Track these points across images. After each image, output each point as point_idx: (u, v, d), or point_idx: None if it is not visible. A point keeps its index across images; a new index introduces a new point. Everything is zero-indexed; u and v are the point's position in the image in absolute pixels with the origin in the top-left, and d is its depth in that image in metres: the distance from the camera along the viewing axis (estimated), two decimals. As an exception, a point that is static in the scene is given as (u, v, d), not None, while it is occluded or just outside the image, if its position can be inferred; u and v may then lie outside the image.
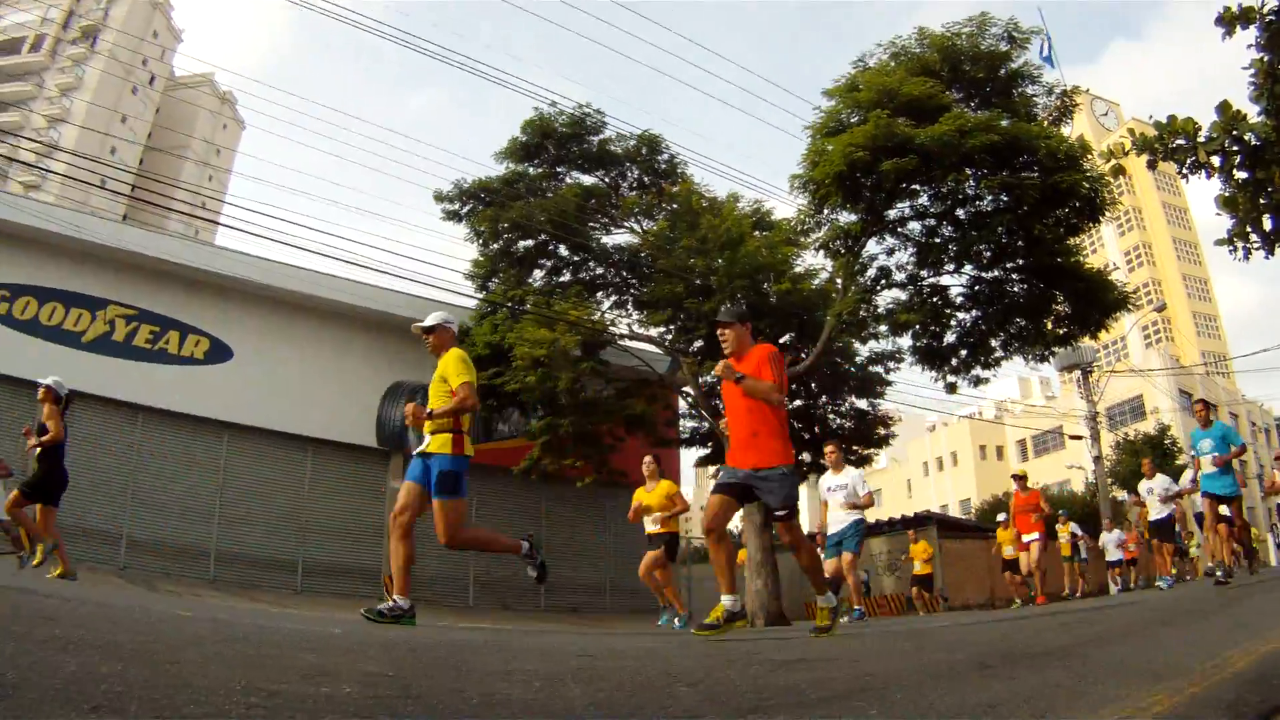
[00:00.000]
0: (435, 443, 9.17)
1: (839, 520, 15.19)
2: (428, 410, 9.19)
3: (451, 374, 9.32)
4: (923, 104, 22.71)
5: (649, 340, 28.67)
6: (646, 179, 29.38)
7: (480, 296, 28.09)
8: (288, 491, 27.44)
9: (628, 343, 28.08)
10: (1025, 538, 21.98)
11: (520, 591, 30.07)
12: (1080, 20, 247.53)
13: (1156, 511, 21.54)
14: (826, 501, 15.75)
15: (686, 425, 31.41)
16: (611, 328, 27.82)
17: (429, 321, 9.91)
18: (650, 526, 15.62)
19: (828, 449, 16.60)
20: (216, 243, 36.27)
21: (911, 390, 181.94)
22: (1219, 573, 14.69)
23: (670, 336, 28.17)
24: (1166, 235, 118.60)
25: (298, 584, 26.64)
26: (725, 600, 8.16)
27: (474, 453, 9.37)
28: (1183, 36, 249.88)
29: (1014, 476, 23.92)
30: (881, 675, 4.48)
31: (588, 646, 6.28)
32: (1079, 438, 46.65)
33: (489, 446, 29.66)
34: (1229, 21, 11.86)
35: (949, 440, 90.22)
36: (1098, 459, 43.56)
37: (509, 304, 26.43)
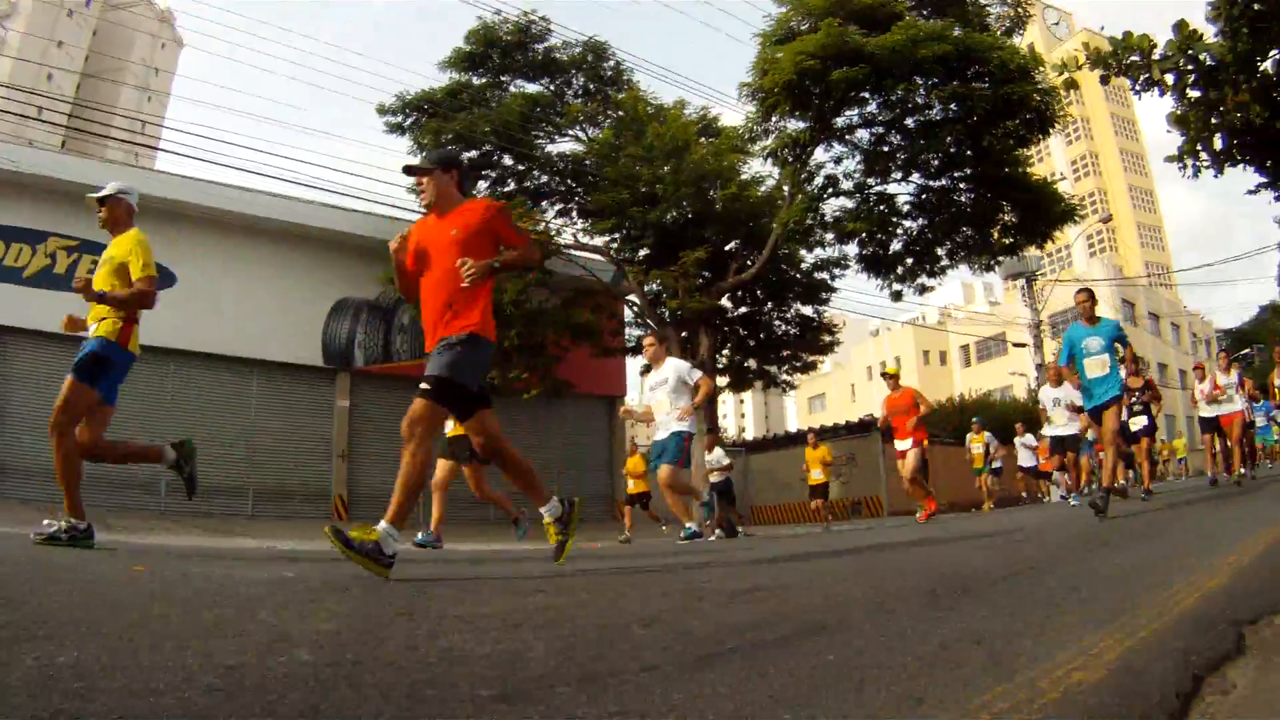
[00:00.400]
0: (101, 327, 7.80)
1: (661, 428, 12.68)
2: (98, 292, 7.74)
3: (133, 262, 7.84)
4: (875, 12, 22.50)
5: (594, 250, 28.57)
6: (592, 86, 29.15)
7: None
8: (236, 416, 27.05)
9: (573, 252, 27.90)
10: (899, 444, 18.13)
11: (467, 503, 30.14)
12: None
13: (1063, 424, 19.27)
14: (649, 405, 13.42)
15: (632, 334, 31.21)
16: (557, 238, 27.48)
17: (104, 191, 8.24)
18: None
19: (645, 341, 14.44)
20: (157, 167, 35.60)
21: (856, 296, 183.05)
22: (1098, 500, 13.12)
23: (615, 245, 28.07)
24: (1114, 146, 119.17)
25: (249, 509, 26.35)
26: (545, 511, 7.00)
27: (139, 353, 8.08)
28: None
29: (884, 375, 20.12)
30: (836, 608, 4.44)
31: (545, 583, 6.09)
32: (1023, 345, 47.04)
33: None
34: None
35: (893, 345, 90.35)
36: (1040, 366, 43.91)
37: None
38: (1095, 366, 12.00)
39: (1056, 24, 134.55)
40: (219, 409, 26.59)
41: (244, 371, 27.16)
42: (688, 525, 13.39)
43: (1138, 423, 16.27)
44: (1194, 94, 12.73)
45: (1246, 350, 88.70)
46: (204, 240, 26.20)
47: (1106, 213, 77.56)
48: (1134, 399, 16.17)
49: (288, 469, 27.45)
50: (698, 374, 12.64)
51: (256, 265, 27.09)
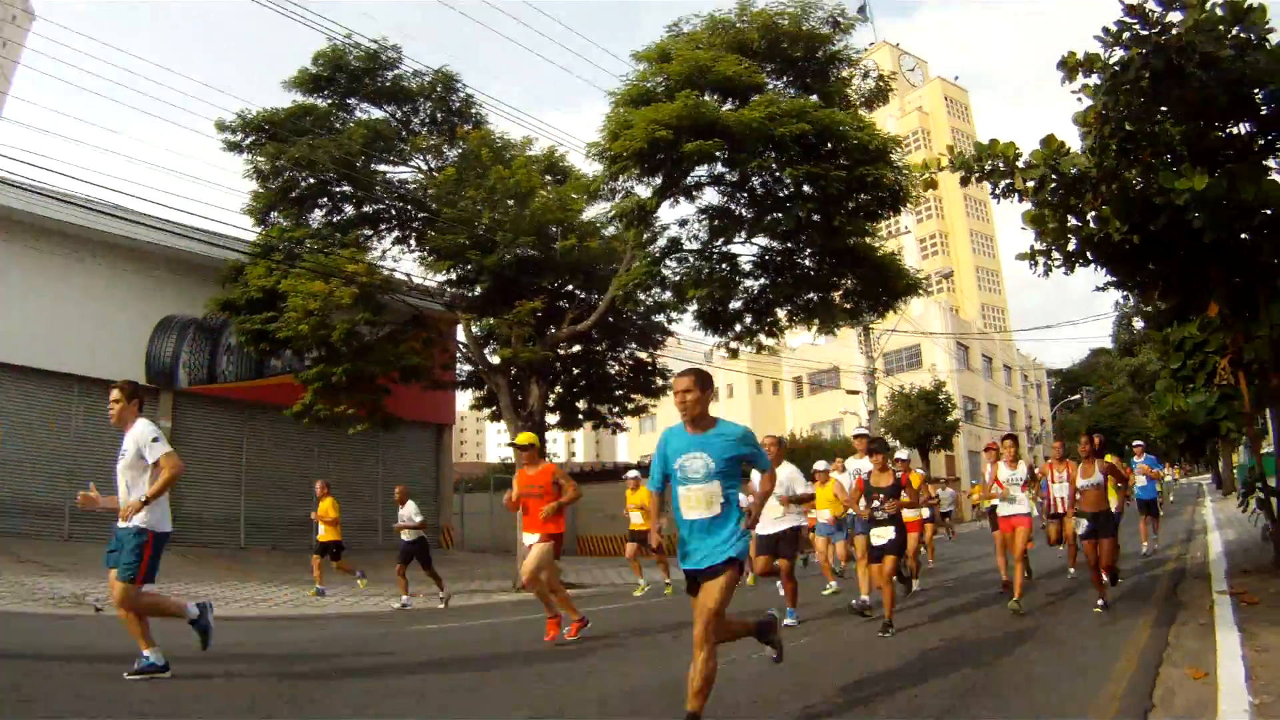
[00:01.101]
0: None
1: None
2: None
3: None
4: (735, 82, 22.33)
5: (427, 292, 28.09)
6: (439, 115, 28.57)
7: (257, 234, 26.72)
8: (53, 432, 25.87)
9: (406, 295, 27.31)
10: (526, 537, 13.06)
11: (288, 532, 29.68)
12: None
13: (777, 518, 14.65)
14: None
15: (463, 369, 30.81)
16: (392, 275, 26.73)
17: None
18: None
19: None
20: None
21: (690, 325, 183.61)
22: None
23: (450, 290, 27.66)
24: (957, 191, 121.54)
25: (64, 531, 25.35)
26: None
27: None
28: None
29: (513, 445, 16.56)
30: None
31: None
32: (856, 392, 47.64)
33: (261, 383, 29.07)
34: (1071, 68, 12.04)
35: (725, 373, 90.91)
36: (872, 413, 44.58)
37: (285, 244, 25.38)
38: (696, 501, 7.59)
39: (912, 70, 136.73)
40: (37, 425, 25.45)
41: (64, 386, 26.03)
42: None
43: (881, 535, 12.69)
44: (1053, 200, 12.93)
45: (1075, 396, 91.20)
46: (25, 247, 25.19)
47: (949, 268, 78.79)
48: (878, 503, 12.73)
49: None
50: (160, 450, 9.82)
51: (81, 277, 26.10)
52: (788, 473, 13.64)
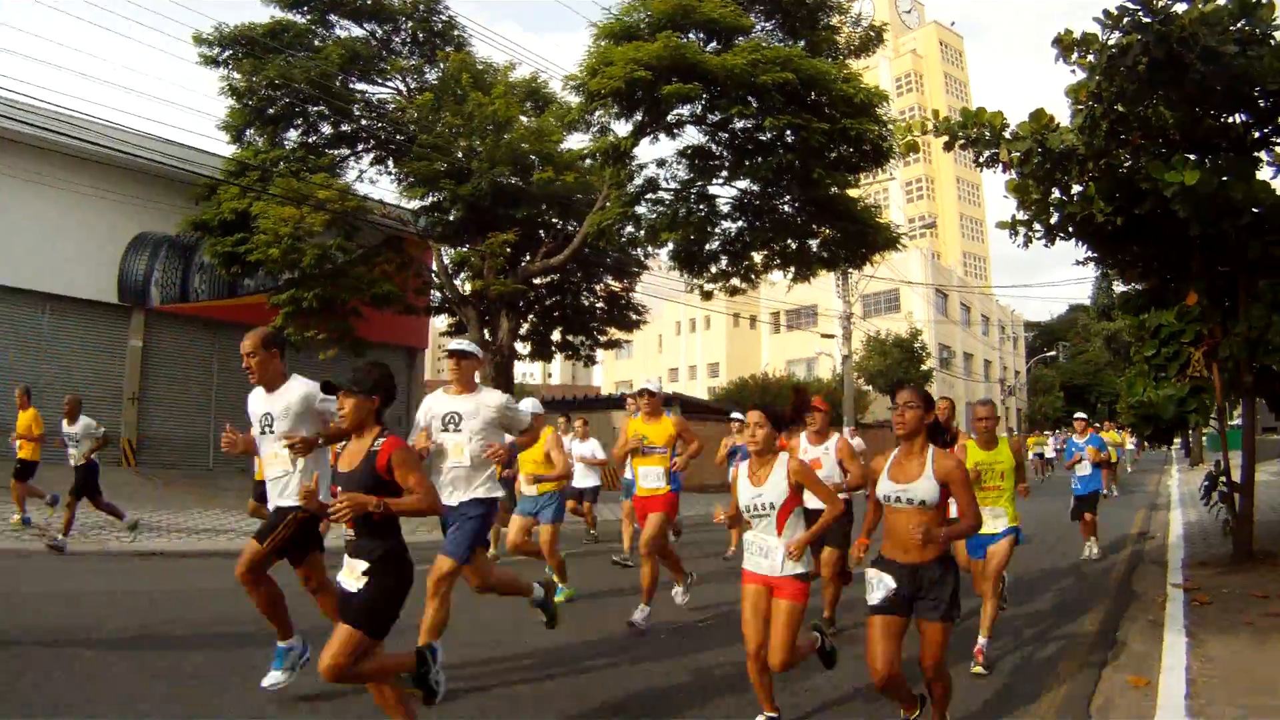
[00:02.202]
0: None
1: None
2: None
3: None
4: (719, 24, 22.03)
5: (400, 219, 27.55)
6: (421, 35, 27.94)
7: (231, 154, 25.89)
8: (22, 352, 25.26)
9: (379, 220, 26.76)
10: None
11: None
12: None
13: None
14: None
15: (437, 294, 30.28)
16: (365, 200, 26.09)
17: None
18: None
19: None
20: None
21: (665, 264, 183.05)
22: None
23: (423, 219, 27.25)
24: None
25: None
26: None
27: None
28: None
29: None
30: None
31: None
32: (831, 336, 47.45)
33: (233, 302, 28.68)
34: (1067, 47, 11.77)
35: (704, 302, 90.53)
36: (846, 358, 44.47)
37: (259, 166, 24.93)
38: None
39: (909, 12, 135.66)
40: (4, 344, 24.89)
41: (32, 304, 25.40)
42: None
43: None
44: (1038, 174, 12.73)
45: (1051, 352, 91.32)
46: (-9, 159, 24.60)
47: (931, 219, 78.53)
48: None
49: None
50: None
51: (50, 191, 25.04)
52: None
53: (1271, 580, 11.88)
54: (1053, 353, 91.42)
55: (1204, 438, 46.65)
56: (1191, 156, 12.30)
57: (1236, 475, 14.37)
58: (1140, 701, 7.36)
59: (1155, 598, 11.65)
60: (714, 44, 22.73)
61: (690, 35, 22.40)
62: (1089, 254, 15.23)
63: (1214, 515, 15.60)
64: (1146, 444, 48.91)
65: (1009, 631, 10.07)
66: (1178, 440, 62.19)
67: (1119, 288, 18.71)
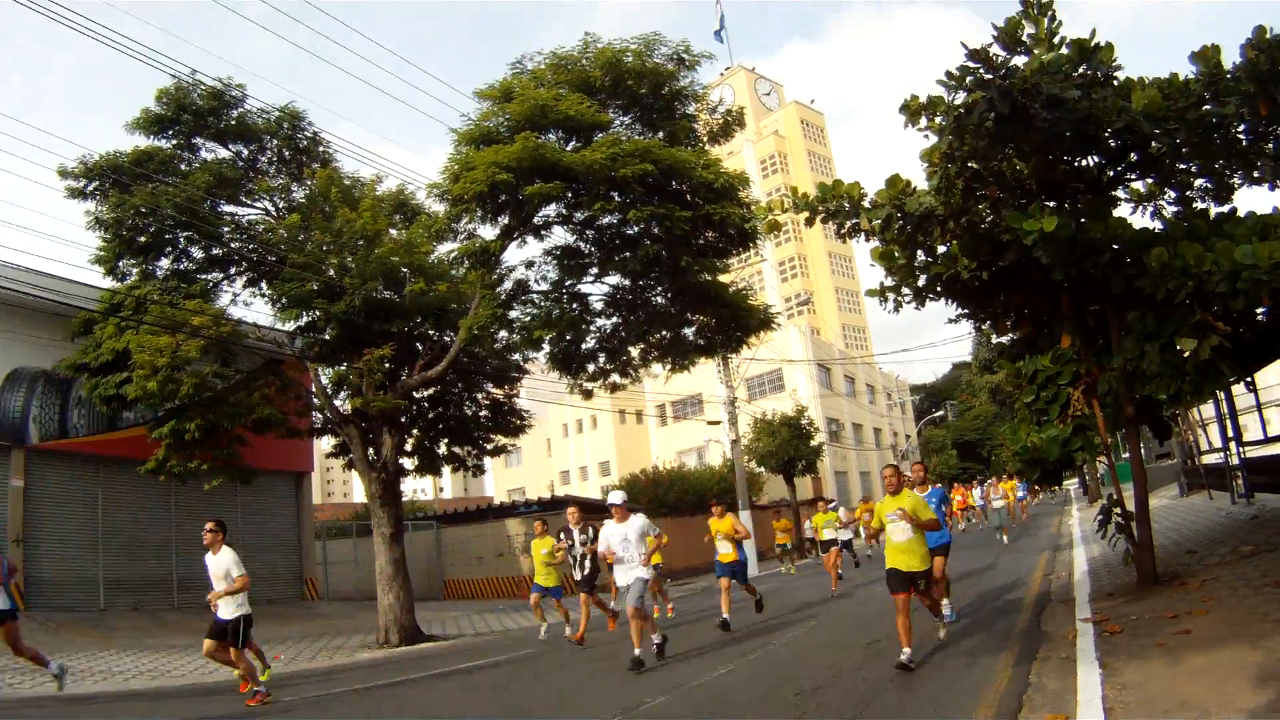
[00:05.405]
0: None
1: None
2: None
3: None
4: (577, 122, 22.21)
5: (276, 343, 27.34)
6: (287, 154, 27.80)
7: (104, 288, 25.46)
8: None
9: (256, 343, 26.38)
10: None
11: (151, 592, 28.92)
12: (761, 21, 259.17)
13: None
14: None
15: (319, 415, 29.87)
16: (239, 324, 25.76)
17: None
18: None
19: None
20: None
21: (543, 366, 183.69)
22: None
23: (299, 340, 26.95)
24: (819, 235, 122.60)
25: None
26: None
27: None
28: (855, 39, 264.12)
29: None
30: None
31: None
32: (717, 423, 47.77)
33: (114, 436, 28.13)
34: (914, 112, 12.04)
35: (589, 402, 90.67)
36: (735, 442, 44.72)
37: (131, 299, 24.49)
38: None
39: (768, 94, 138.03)
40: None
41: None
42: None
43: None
44: (900, 238, 12.96)
45: (939, 413, 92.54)
46: None
47: (807, 295, 79.48)
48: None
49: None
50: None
51: None
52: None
53: (1180, 600, 12.11)
54: (940, 412, 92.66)
55: (1099, 474, 47.57)
56: (1050, 203, 12.74)
57: (1131, 505, 14.61)
58: (1060, 736, 7.43)
59: (1065, 635, 11.81)
60: (574, 142, 22.94)
61: (550, 135, 22.63)
62: (960, 311, 15.56)
63: (1114, 547, 15.83)
64: (1039, 488, 49.74)
65: (923, 682, 10.12)
66: (1074, 480, 63.15)
67: (997, 339, 19.09)
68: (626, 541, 14.41)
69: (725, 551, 18.66)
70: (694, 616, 21.83)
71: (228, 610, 13.89)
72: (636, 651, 13.53)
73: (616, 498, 14.92)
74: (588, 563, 18.72)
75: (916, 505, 11.86)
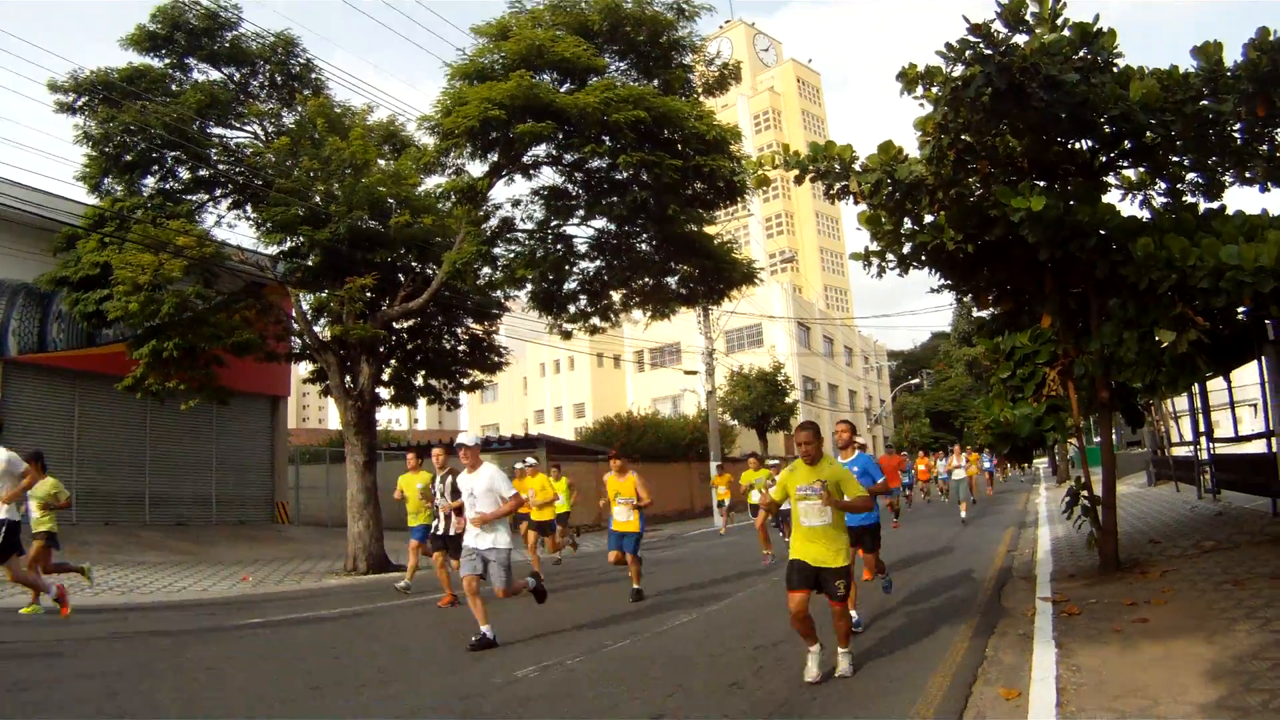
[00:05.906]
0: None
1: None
2: None
3: None
4: (573, 64, 22.17)
5: (259, 267, 27.12)
6: (279, 79, 27.59)
7: (89, 204, 25.16)
8: None
9: (238, 263, 26.24)
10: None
11: (123, 507, 28.95)
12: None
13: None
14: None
15: (298, 340, 29.66)
16: (224, 246, 25.61)
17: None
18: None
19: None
20: None
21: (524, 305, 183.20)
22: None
23: (282, 264, 26.85)
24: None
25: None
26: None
27: None
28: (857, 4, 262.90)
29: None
30: None
31: None
32: (694, 373, 47.84)
33: (93, 352, 28.08)
34: (911, 80, 12.04)
35: (567, 345, 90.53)
36: (710, 393, 44.82)
37: (116, 216, 24.37)
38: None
39: (765, 50, 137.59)
40: None
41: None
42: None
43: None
44: (888, 204, 13.01)
45: (915, 380, 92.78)
46: None
47: (792, 252, 79.38)
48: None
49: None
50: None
51: None
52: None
53: (1140, 588, 12.20)
54: (916, 380, 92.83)
55: (1070, 455, 47.76)
56: (1041, 183, 12.72)
57: (1099, 489, 14.72)
58: (1012, 712, 7.51)
59: (1024, 612, 11.90)
60: (568, 84, 22.96)
61: (544, 75, 22.62)
62: (943, 281, 15.59)
63: (1079, 529, 15.92)
64: (1009, 465, 49.80)
65: (877, 651, 10.18)
66: (1044, 459, 63.32)
67: (978, 313, 19.02)
68: (473, 497, 11.82)
69: (623, 519, 15.86)
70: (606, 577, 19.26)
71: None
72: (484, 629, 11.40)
73: (466, 439, 12.22)
74: (452, 522, 15.82)
75: (841, 478, 9.13)
